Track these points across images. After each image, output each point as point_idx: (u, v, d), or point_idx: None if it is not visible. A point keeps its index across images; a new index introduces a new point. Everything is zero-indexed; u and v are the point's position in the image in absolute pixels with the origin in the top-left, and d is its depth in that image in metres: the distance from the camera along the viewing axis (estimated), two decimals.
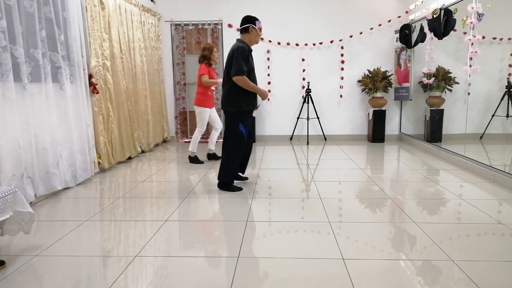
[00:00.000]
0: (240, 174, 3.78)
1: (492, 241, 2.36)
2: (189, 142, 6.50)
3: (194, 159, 4.79)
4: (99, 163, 4.18)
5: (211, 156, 4.94)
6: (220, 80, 4.54)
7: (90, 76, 4.08)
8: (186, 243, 2.41)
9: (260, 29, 3.41)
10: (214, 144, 4.89)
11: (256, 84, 3.41)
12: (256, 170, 4.35)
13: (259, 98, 3.48)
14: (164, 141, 6.51)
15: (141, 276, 1.95)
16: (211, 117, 4.76)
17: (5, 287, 1.86)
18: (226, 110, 3.43)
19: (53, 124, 3.40)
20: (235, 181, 3.62)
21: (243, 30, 3.42)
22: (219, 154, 4.52)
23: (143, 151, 5.45)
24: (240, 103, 3.35)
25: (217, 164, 4.60)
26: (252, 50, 3.41)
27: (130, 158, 4.98)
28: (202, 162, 4.78)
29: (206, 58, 4.62)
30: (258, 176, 4.03)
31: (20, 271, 2.01)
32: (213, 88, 4.69)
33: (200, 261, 2.12)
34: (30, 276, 1.97)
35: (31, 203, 3.04)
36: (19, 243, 2.36)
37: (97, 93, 4.16)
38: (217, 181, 3.59)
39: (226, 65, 3.41)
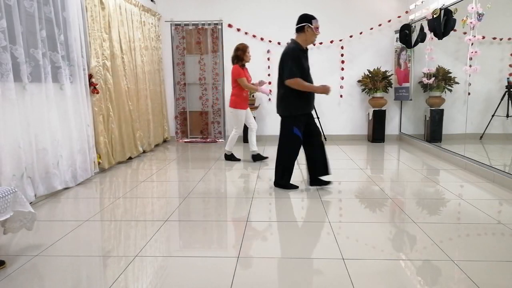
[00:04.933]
0: (322, 178, 3.58)
1: (492, 241, 2.36)
2: (189, 142, 6.53)
3: (230, 157, 4.86)
4: (99, 163, 4.18)
5: (256, 157, 4.84)
6: (261, 88, 4.64)
7: (90, 76, 4.07)
8: (186, 243, 2.41)
9: (317, 28, 3.32)
10: (255, 144, 4.85)
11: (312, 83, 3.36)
12: (256, 170, 4.35)
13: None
14: (164, 141, 6.51)
15: (141, 276, 1.95)
16: (245, 118, 4.75)
17: (5, 287, 1.86)
18: (281, 115, 3.46)
19: (53, 124, 3.40)
20: (317, 186, 3.58)
21: (298, 30, 3.35)
22: (264, 154, 4.75)
23: (144, 151, 5.45)
24: (293, 108, 3.34)
25: (221, 164, 4.61)
26: (307, 49, 3.37)
27: (130, 158, 4.98)
28: (239, 160, 4.87)
29: (239, 59, 4.53)
30: (258, 176, 4.03)
31: (20, 271, 2.01)
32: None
33: (200, 261, 2.12)
34: (30, 276, 1.97)
35: (31, 203, 3.04)
36: (19, 243, 2.36)
37: (97, 93, 4.16)
38: (274, 180, 3.63)
39: (279, 69, 3.40)
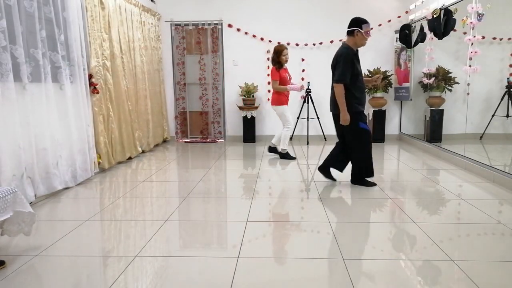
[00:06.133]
0: (332, 170, 3.74)
1: (492, 241, 2.36)
2: (189, 142, 6.53)
3: (286, 155, 4.94)
4: (99, 163, 4.18)
5: (272, 149, 5.13)
6: (292, 86, 4.79)
7: (90, 76, 4.07)
8: (186, 243, 2.41)
9: (367, 32, 3.36)
10: (278, 139, 5.01)
11: (364, 90, 3.48)
12: (256, 170, 4.35)
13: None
14: (164, 141, 6.51)
15: (141, 276, 1.95)
16: None
17: (5, 287, 1.86)
18: (335, 113, 3.51)
19: (53, 124, 3.40)
20: (323, 178, 3.76)
21: (349, 33, 3.42)
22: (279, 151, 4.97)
23: (143, 151, 5.45)
24: (350, 105, 3.35)
25: (221, 164, 4.61)
26: (356, 52, 3.42)
27: (130, 158, 4.98)
28: (294, 158, 4.94)
29: (275, 61, 4.70)
30: (258, 176, 4.03)
31: (20, 271, 2.01)
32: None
33: (200, 261, 2.12)
34: (30, 276, 1.97)
35: (31, 203, 3.04)
36: (19, 243, 2.36)
37: (97, 93, 4.16)
38: (351, 178, 3.69)
39: (332, 69, 3.48)
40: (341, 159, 3.67)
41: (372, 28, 3.37)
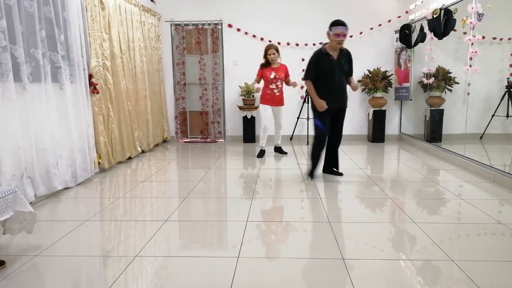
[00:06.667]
0: (335, 169, 4.04)
1: (492, 241, 2.36)
2: (189, 142, 6.53)
3: (260, 152, 5.16)
4: (99, 163, 4.18)
5: (277, 149, 5.38)
6: (256, 85, 4.89)
7: (90, 76, 4.07)
8: (186, 243, 2.41)
9: (337, 34, 3.47)
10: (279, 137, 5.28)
11: (333, 88, 3.65)
12: (256, 170, 4.35)
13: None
14: (164, 141, 6.51)
15: (141, 276, 1.95)
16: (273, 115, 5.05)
17: (5, 287, 1.86)
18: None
19: (53, 124, 3.40)
20: (323, 178, 3.93)
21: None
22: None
23: (143, 151, 5.45)
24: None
25: (221, 164, 4.60)
26: (327, 53, 3.58)
27: (130, 158, 4.98)
28: (261, 157, 5.09)
29: (265, 60, 4.85)
30: (258, 176, 4.03)
31: (20, 271, 2.01)
32: (272, 86, 4.84)
33: (200, 261, 2.12)
34: (30, 276, 1.98)
35: (31, 203, 3.04)
36: (19, 243, 2.36)
37: (97, 93, 4.16)
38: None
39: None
40: (328, 158, 4.02)
41: (343, 35, 3.47)
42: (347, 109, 3.96)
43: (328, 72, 3.60)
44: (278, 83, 4.83)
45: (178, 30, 6.42)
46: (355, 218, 2.76)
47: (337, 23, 3.48)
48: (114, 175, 4.20)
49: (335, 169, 4.02)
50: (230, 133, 6.68)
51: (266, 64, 4.82)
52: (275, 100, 4.89)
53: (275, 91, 4.84)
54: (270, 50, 4.73)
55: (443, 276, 1.92)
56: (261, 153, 5.11)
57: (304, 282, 1.88)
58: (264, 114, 4.91)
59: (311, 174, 3.89)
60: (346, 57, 3.69)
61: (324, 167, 4.04)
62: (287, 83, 4.91)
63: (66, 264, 2.09)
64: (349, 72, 3.75)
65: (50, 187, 3.31)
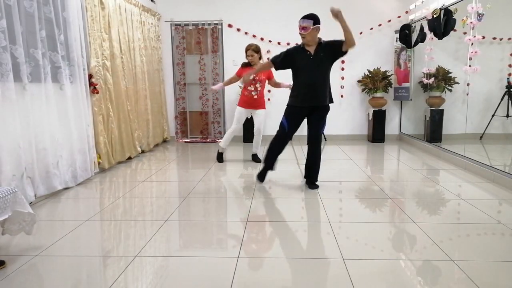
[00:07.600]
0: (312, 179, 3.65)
1: (492, 241, 2.36)
2: (189, 142, 6.53)
3: (219, 155, 4.86)
4: (99, 163, 4.18)
5: (254, 157, 4.94)
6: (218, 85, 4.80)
7: (90, 76, 4.07)
8: (186, 243, 2.41)
9: (300, 27, 3.46)
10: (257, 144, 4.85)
11: (305, 85, 3.38)
12: (256, 170, 4.34)
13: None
14: (164, 141, 6.51)
15: (141, 276, 1.95)
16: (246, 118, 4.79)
17: (5, 287, 1.86)
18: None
19: (53, 124, 3.40)
20: (323, 178, 3.77)
21: None
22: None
23: (143, 151, 5.45)
24: (289, 98, 3.53)
25: (221, 164, 4.60)
26: (303, 47, 3.51)
27: (130, 158, 4.98)
28: (220, 161, 4.80)
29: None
30: None
31: (20, 271, 2.01)
32: (251, 88, 4.53)
33: (200, 261, 2.12)
34: (30, 276, 1.97)
35: (31, 203, 3.04)
36: (19, 243, 2.36)
37: (97, 93, 4.16)
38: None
39: None
40: (307, 166, 3.67)
41: (302, 28, 3.46)
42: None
43: (302, 67, 3.42)
44: (258, 85, 4.48)
45: (178, 30, 6.42)
46: (355, 218, 2.76)
47: (303, 17, 3.43)
48: (114, 175, 4.20)
49: (311, 180, 3.62)
50: None
51: (248, 64, 4.52)
52: (254, 103, 4.54)
53: (253, 93, 4.49)
54: (249, 52, 4.43)
55: (443, 276, 1.92)
56: (220, 157, 4.79)
57: (304, 282, 1.88)
58: (239, 116, 4.59)
59: (261, 176, 3.67)
60: (325, 49, 3.46)
61: (305, 174, 3.70)
62: (278, 85, 4.59)
63: (66, 264, 2.09)
64: (340, 46, 3.49)
65: (50, 187, 3.31)
